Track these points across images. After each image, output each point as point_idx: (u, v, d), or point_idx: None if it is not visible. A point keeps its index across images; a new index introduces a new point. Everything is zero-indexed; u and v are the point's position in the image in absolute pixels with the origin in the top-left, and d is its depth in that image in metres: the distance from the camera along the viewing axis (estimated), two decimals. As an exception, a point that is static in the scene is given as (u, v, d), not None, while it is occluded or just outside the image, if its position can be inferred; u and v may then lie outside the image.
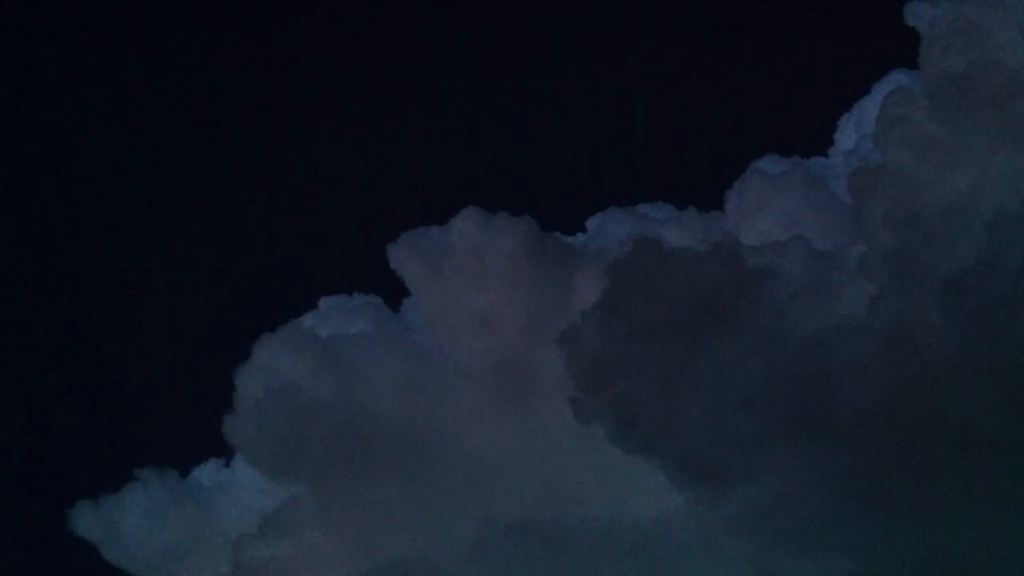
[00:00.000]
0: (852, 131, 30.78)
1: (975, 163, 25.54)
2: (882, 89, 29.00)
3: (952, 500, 23.36)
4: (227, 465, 32.23)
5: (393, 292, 31.88)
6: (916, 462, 23.60)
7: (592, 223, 32.24)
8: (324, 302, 32.48)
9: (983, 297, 23.51)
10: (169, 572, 30.90)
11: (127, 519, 31.34)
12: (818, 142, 31.42)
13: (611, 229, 31.34)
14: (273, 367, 30.83)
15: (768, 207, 29.53)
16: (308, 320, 32.05)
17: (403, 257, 30.99)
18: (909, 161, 26.49)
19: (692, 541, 25.98)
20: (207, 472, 32.27)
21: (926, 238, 25.08)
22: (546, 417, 28.24)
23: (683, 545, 26.01)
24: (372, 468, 29.06)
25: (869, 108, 29.73)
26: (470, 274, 30.31)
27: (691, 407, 25.89)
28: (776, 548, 25.02)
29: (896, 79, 29.08)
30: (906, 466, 23.67)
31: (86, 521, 31.28)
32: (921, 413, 23.57)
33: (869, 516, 24.14)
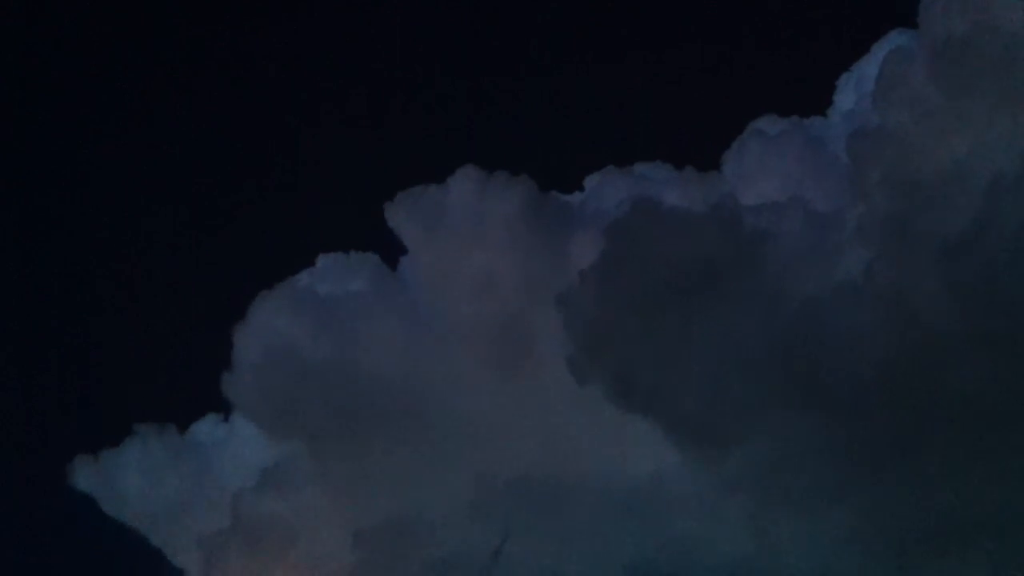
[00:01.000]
0: (851, 92, 30.62)
1: (974, 126, 25.55)
2: (881, 50, 28.90)
3: (945, 463, 23.61)
4: (225, 421, 32.35)
5: (390, 250, 31.96)
6: (911, 425, 23.81)
7: (590, 183, 32.18)
8: (321, 260, 32.46)
9: (980, 261, 23.65)
10: (168, 526, 31.08)
11: (126, 474, 31.52)
12: (817, 102, 31.32)
13: (609, 189, 31.28)
14: (271, 325, 30.90)
15: (766, 168, 29.47)
16: (305, 278, 32.05)
17: (400, 216, 30.98)
18: (908, 123, 26.49)
19: (688, 500, 26.24)
20: (205, 428, 32.39)
21: (924, 201, 25.17)
22: (543, 377, 28.36)
23: (679, 503, 26.27)
24: (369, 426, 29.23)
25: (868, 69, 29.59)
26: (468, 233, 30.32)
27: (688, 368, 26.07)
28: (771, 507, 25.30)
29: (895, 40, 28.96)
30: (901, 429, 23.89)
31: (86, 476, 31.45)
32: (917, 377, 23.76)
33: (863, 478, 24.39)
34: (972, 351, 23.44)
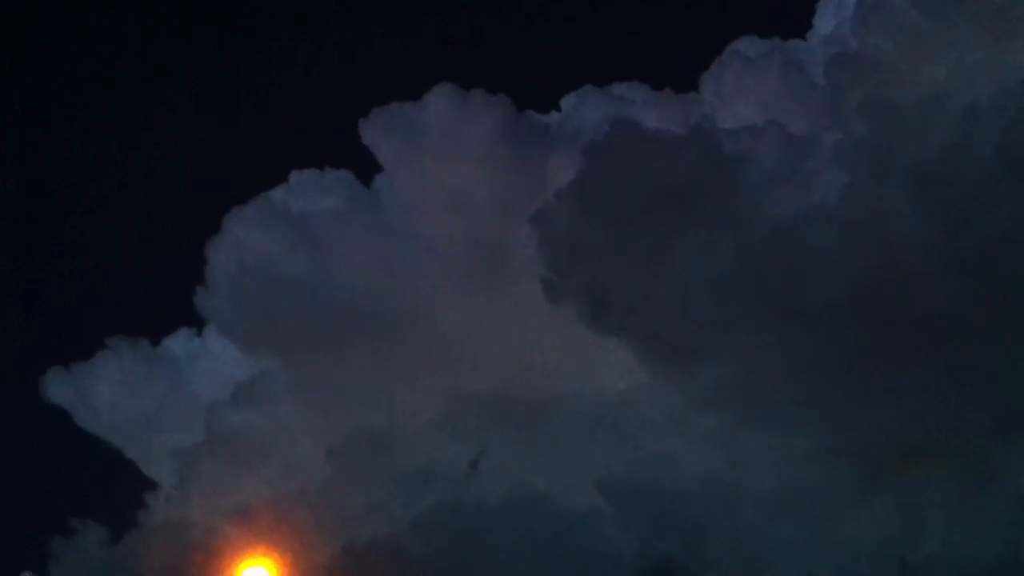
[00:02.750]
0: (831, 15, 30.50)
1: (952, 52, 25.56)
2: (862, -27, 28.71)
3: (911, 382, 23.97)
4: (199, 335, 32.39)
5: (365, 168, 31.79)
6: (880, 346, 24.13)
7: (567, 102, 32.05)
8: (295, 176, 32.23)
9: (955, 187, 23.83)
10: (142, 439, 31.21)
11: (99, 387, 31.55)
12: (797, 25, 31.16)
13: (586, 109, 31.15)
14: (244, 240, 30.80)
15: (745, 90, 29.41)
16: (279, 194, 31.88)
17: (375, 133, 30.76)
18: (887, 48, 26.49)
19: (658, 416, 26.59)
20: (178, 342, 32.39)
21: (901, 127, 25.23)
22: (518, 295, 28.48)
23: (649, 420, 26.63)
24: (344, 341, 29.33)
25: (848, -8, 29.47)
26: (443, 152, 30.17)
27: (661, 288, 26.22)
28: (739, 425, 25.68)
29: (876, -37, 28.78)
30: (869, 350, 24.20)
31: (59, 388, 31.44)
32: (888, 299, 24.04)
33: (830, 396, 24.75)
34: (943, 275, 23.73)
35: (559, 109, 32.02)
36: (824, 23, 30.47)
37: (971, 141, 23.81)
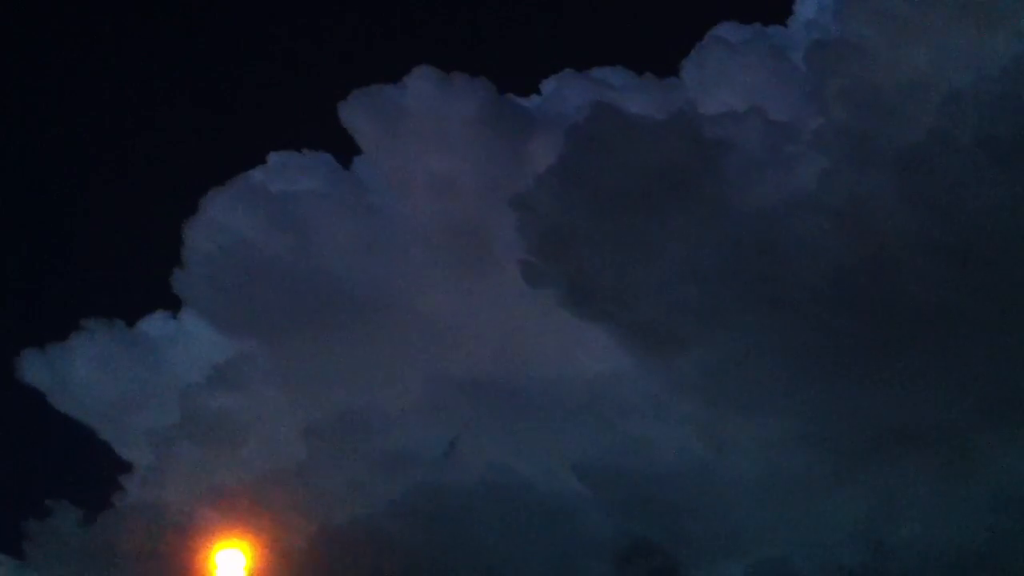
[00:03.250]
0: (812, 1, 30.59)
1: (933, 40, 25.67)
2: (843, -40, 28.76)
3: (892, 370, 24.09)
4: (175, 317, 32.21)
5: (344, 150, 31.65)
6: (861, 333, 24.23)
7: (547, 86, 32.01)
8: (273, 158, 32.08)
9: (935, 173, 23.94)
10: (118, 420, 31.00)
11: (75, 368, 31.31)
12: (778, 11, 31.18)
13: (567, 93, 31.09)
14: (222, 221, 30.58)
15: (726, 76, 29.42)
16: (257, 175, 31.72)
17: (355, 115, 30.62)
18: (868, 35, 26.57)
19: (637, 401, 26.63)
20: (155, 323, 32.18)
21: (882, 113, 25.34)
22: (498, 279, 28.43)
23: (629, 406, 26.66)
24: (323, 324, 29.20)
25: (831, -23, 29.52)
26: (423, 134, 30.05)
27: (642, 274, 26.25)
28: (719, 410, 25.76)
29: (858, -49, 28.83)
30: (851, 336, 24.30)
31: (34, 369, 31.17)
32: (869, 285, 24.13)
33: (811, 383, 24.85)
34: (924, 261, 23.83)
35: (539, 93, 32.03)
36: (805, 9, 30.53)
37: (952, 128, 23.91)
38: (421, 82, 30.23)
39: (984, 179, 23.39)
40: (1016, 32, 24.39)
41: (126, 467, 31.01)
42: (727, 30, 30.62)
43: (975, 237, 23.30)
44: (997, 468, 23.70)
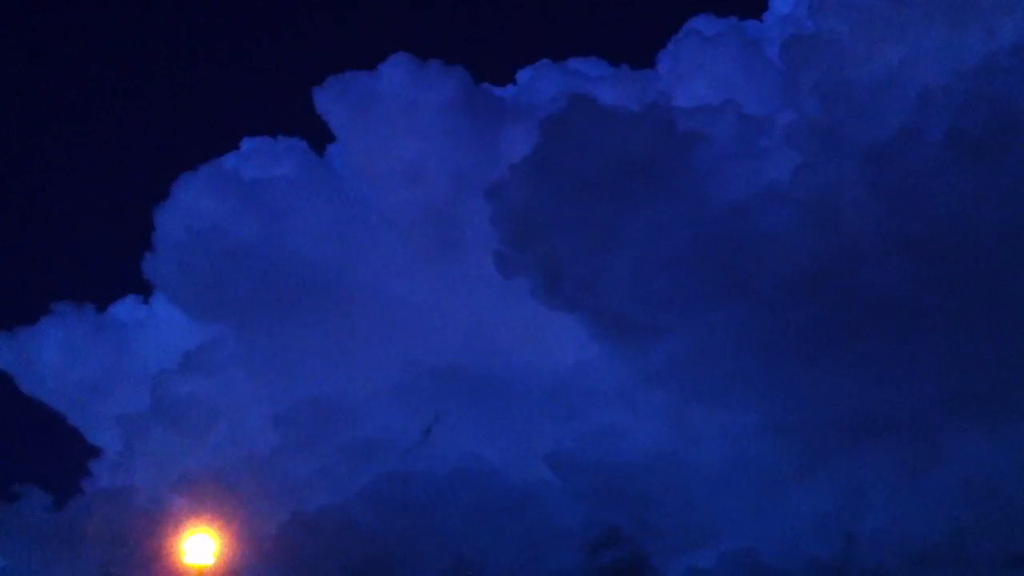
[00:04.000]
0: (788, -5, 30.76)
1: (906, 37, 25.87)
2: (818, -44, 28.89)
3: (861, 363, 24.29)
4: (145, 302, 32.11)
5: (318, 137, 31.62)
6: (828, 324, 24.43)
7: (522, 76, 32.08)
8: (246, 143, 32.04)
9: (906, 168, 24.15)
10: (87, 405, 30.89)
11: (44, 352, 31.16)
12: (754, 5, 31.37)
13: (542, 83, 31.17)
14: (194, 206, 30.49)
15: (701, 69, 29.56)
16: (230, 161, 31.63)
17: (329, 101, 30.56)
18: (842, 31, 26.75)
19: (608, 391, 26.76)
20: (125, 308, 32.09)
21: (853, 109, 25.54)
22: (471, 268, 28.50)
23: (599, 395, 26.79)
24: (295, 311, 29.16)
25: (805, -28, 29.62)
26: (398, 122, 30.03)
27: (614, 264, 26.37)
28: (689, 400, 25.93)
29: (832, -53, 28.98)
30: (819, 330, 24.50)
31: (2, 352, 31.01)
32: (836, 278, 24.33)
33: (779, 375, 25.04)
34: (892, 255, 24.05)
35: (515, 82, 32.07)
36: (780, 4, 30.72)
37: (923, 124, 24.13)
38: (397, 70, 30.23)
39: (953, 175, 23.62)
40: (988, 30, 24.62)
41: (95, 452, 31.01)
42: (702, 23, 30.81)
43: (942, 232, 23.54)
44: (962, 459, 23.99)
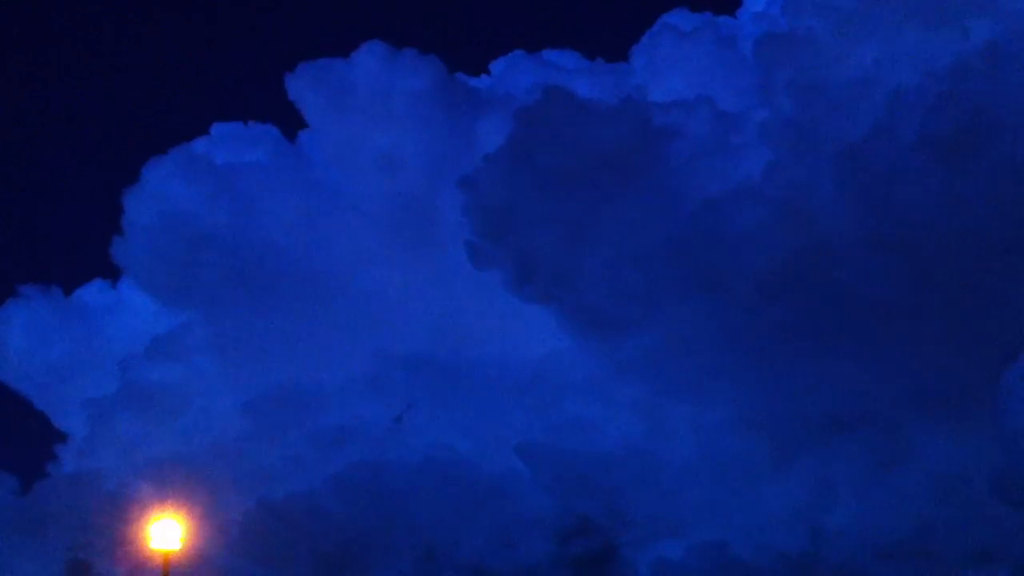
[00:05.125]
0: (762, -9, 30.87)
1: (880, 36, 26.10)
2: (792, -47, 29.04)
3: (831, 360, 24.55)
4: (113, 287, 31.85)
5: (290, 123, 31.48)
6: (800, 323, 24.67)
7: (496, 67, 32.08)
8: (216, 128, 31.82)
9: (878, 167, 24.38)
10: (53, 389, 30.61)
11: (9, 335, 30.84)
12: (727, 1, 31.47)
13: (516, 74, 31.19)
14: (163, 190, 30.26)
15: (675, 63, 29.65)
16: (200, 145, 31.40)
17: (302, 88, 30.42)
18: (816, 29, 26.94)
19: (580, 383, 26.90)
20: (92, 292, 31.79)
21: (827, 107, 25.74)
22: (443, 258, 28.51)
23: (571, 387, 26.92)
24: (265, 297, 29.05)
25: (779, -32, 29.76)
26: (371, 110, 29.95)
27: (587, 257, 26.49)
28: (660, 394, 26.10)
29: (807, -56, 29.13)
30: (789, 326, 24.73)
31: (-33, 335, 30.74)
32: (808, 274, 24.55)
33: (750, 370, 25.28)
34: (863, 253, 24.30)
35: (489, 72, 32.04)
36: (754, 1, 30.83)
37: (896, 123, 24.35)
38: (370, 57, 30.14)
39: (925, 175, 23.87)
40: (962, 31, 24.86)
41: (62, 436, 30.77)
42: (677, 17, 30.90)
43: (912, 231, 23.80)
44: (930, 456, 24.32)
